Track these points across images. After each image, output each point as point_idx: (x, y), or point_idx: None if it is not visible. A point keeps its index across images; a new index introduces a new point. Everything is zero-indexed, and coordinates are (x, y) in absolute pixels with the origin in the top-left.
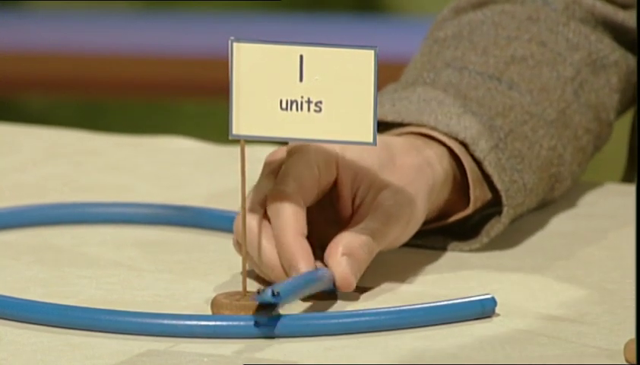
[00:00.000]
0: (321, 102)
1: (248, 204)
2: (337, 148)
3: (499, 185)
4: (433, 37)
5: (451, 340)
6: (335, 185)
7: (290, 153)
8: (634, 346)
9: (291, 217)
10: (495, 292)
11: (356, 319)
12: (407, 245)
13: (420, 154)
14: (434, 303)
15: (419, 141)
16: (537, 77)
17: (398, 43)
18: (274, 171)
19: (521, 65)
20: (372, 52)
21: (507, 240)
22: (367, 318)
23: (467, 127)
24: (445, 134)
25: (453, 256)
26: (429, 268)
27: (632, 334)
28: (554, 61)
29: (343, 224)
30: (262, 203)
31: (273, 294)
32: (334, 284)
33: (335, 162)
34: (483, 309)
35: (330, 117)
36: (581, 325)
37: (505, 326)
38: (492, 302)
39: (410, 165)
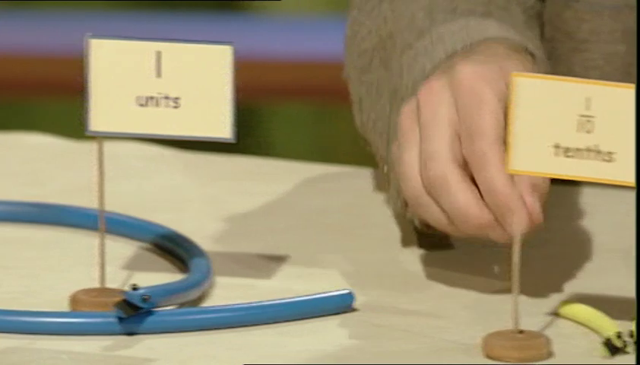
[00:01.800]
0: (178, 98)
1: (430, 153)
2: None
3: None
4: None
5: (310, 335)
6: None
7: (466, 105)
8: (492, 341)
9: (499, 164)
10: (353, 287)
11: (216, 315)
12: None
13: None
14: (293, 298)
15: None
16: (510, 15)
17: (257, 41)
18: (450, 122)
19: (489, 4)
20: (229, 48)
21: (363, 235)
22: (226, 314)
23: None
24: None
25: (312, 251)
26: (289, 263)
27: (490, 330)
28: (506, 6)
29: None
30: (455, 158)
31: (143, 300)
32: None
33: None
34: (341, 304)
35: (187, 113)
36: (438, 319)
37: (362, 321)
38: (350, 297)
39: None
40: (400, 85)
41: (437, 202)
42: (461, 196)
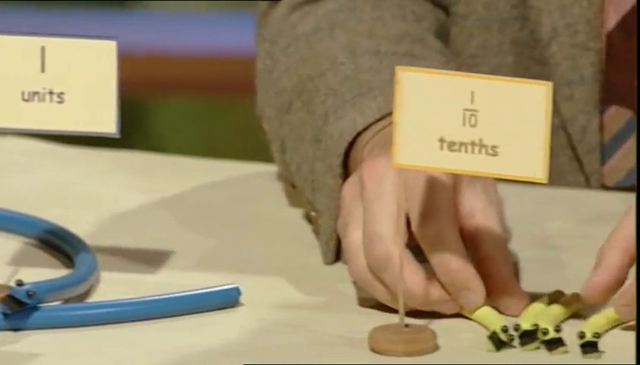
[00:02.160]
0: (62, 93)
1: (374, 232)
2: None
3: None
4: (294, 35)
5: (197, 330)
6: None
7: (415, 184)
8: (378, 335)
9: (455, 242)
10: (239, 282)
11: (101, 311)
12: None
13: None
14: (179, 293)
15: None
16: (428, 47)
17: (144, 35)
18: (394, 200)
19: (406, 40)
20: (114, 43)
21: (251, 230)
22: (112, 309)
23: None
24: None
25: (198, 245)
26: (176, 258)
27: (376, 323)
28: (423, 37)
29: None
30: (401, 238)
31: (28, 295)
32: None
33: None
34: (228, 299)
35: (72, 108)
36: (325, 313)
37: (248, 315)
38: (236, 292)
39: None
40: (324, 133)
41: (382, 281)
42: (407, 277)
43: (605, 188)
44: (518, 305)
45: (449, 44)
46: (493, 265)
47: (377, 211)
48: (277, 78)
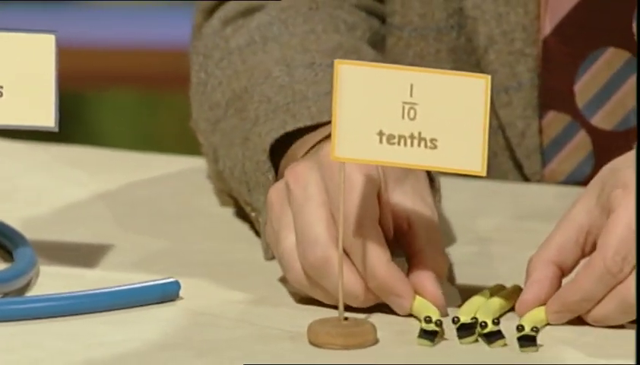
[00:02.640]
0: (1, 87)
1: (307, 238)
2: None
3: None
4: (227, 49)
5: (137, 324)
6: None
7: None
8: (317, 328)
9: (378, 249)
10: (179, 276)
11: (40, 304)
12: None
13: None
14: (119, 287)
15: None
16: (363, 58)
17: (82, 29)
18: (323, 203)
19: (340, 52)
20: (52, 36)
21: (190, 224)
22: (51, 303)
23: None
24: None
25: (138, 239)
26: (116, 252)
27: (317, 317)
28: (356, 47)
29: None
30: (333, 241)
31: None
32: None
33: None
34: (167, 293)
35: (10, 101)
36: (265, 307)
37: (188, 310)
38: (176, 285)
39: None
40: (252, 133)
41: (320, 285)
42: (346, 278)
43: None
44: (436, 301)
45: (386, 54)
46: (421, 262)
47: (307, 216)
48: (211, 92)
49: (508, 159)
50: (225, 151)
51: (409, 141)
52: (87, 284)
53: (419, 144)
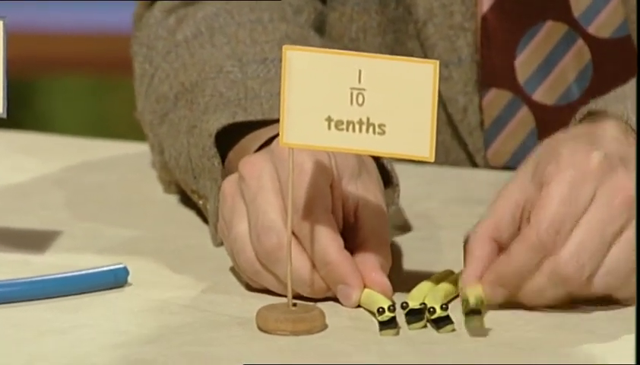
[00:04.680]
0: None
1: (262, 224)
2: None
3: None
4: (174, 41)
5: (86, 310)
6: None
7: (294, 179)
8: (266, 314)
9: (331, 235)
10: (128, 262)
11: None
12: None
13: None
14: (67, 273)
15: None
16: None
17: (32, 13)
18: (277, 191)
19: (287, 43)
20: (1, 22)
21: (139, 211)
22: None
23: None
24: None
25: (87, 226)
26: (64, 238)
27: (265, 303)
28: (303, 36)
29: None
30: (284, 221)
31: None
32: None
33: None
34: (116, 279)
35: None
36: (214, 294)
37: (138, 296)
38: (125, 271)
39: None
40: (200, 120)
41: (272, 272)
42: (297, 264)
43: (492, 168)
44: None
45: (330, 30)
46: (366, 253)
47: (262, 203)
48: (158, 84)
49: (451, 136)
50: (171, 141)
51: (357, 127)
52: (35, 270)
53: (367, 130)
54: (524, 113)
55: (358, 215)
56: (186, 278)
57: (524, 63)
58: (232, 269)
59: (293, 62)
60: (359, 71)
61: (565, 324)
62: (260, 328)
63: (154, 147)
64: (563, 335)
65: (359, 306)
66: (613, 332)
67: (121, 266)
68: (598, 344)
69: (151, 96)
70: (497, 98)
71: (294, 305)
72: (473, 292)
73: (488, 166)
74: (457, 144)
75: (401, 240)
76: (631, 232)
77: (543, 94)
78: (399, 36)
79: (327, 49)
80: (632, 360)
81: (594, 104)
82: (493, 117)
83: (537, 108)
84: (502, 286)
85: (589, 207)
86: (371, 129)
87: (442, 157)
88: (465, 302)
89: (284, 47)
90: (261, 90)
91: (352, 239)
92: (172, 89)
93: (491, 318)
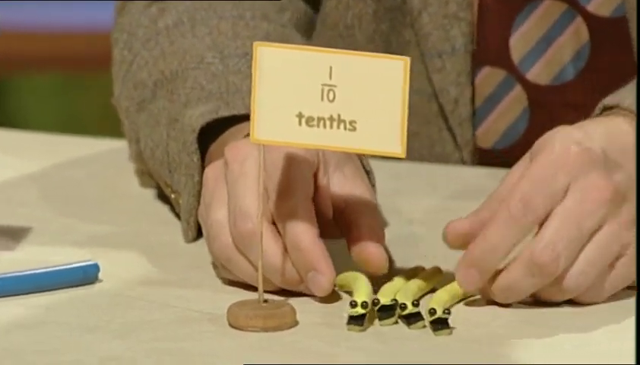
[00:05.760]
0: None
1: (239, 209)
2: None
3: None
4: (155, 29)
5: (55, 307)
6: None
7: (275, 163)
8: (236, 310)
9: (307, 222)
10: (98, 259)
11: None
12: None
13: None
14: (37, 269)
15: None
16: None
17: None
18: (257, 176)
19: (270, 41)
20: None
21: (110, 206)
22: None
23: None
24: None
25: (57, 222)
26: (34, 234)
27: (237, 300)
28: (285, 35)
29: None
30: (265, 214)
31: None
32: None
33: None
34: (86, 275)
35: None
36: (185, 289)
37: (108, 292)
38: (95, 268)
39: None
40: (182, 115)
41: (247, 258)
42: (270, 252)
43: (480, 152)
44: (380, 260)
45: (325, 17)
46: (359, 230)
47: (241, 189)
48: (137, 71)
49: (442, 127)
50: (149, 131)
51: (328, 123)
52: (5, 266)
53: (338, 126)
54: (517, 92)
55: (348, 200)
56: (157, 274)
57: (520, 41)
58: (204, 265)
59: (263, 58)
60: (330, 68)
61: (534, 320)
62: (231, 325)
63: (130, 134)
64: (532, 331)
65: (328, 298)
66: (582, 327)
67: (91, 263)
68: (568, 339)
69: (129, 82)
70: (490, 76)
71: (265, 301)
72: (440, 301)
73: (475, 160)
74: (447, 136)
75: None
76: (604, 234)
77: (537, 74)
78: (394, 24)
79: (297, 45)
80: (633, 359)
81: (610, 98)
82: (485, 95)
83: (530, 87)
84: (476, 266)
85: (565, 198)
86: (342, 125)
87: (429, 149)
88: (432, 311)
89: (255, 43)
90: (242, 85)
91: (345, 221)
92: (151, 76)
93: (462, 314)
